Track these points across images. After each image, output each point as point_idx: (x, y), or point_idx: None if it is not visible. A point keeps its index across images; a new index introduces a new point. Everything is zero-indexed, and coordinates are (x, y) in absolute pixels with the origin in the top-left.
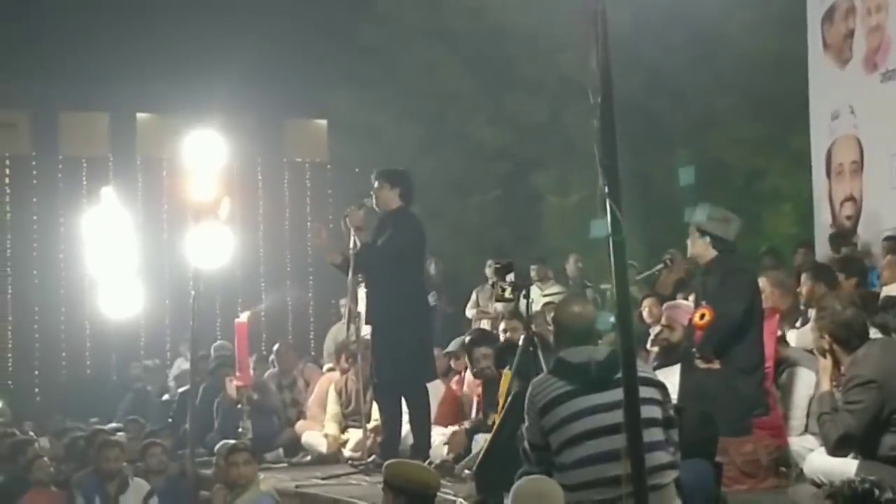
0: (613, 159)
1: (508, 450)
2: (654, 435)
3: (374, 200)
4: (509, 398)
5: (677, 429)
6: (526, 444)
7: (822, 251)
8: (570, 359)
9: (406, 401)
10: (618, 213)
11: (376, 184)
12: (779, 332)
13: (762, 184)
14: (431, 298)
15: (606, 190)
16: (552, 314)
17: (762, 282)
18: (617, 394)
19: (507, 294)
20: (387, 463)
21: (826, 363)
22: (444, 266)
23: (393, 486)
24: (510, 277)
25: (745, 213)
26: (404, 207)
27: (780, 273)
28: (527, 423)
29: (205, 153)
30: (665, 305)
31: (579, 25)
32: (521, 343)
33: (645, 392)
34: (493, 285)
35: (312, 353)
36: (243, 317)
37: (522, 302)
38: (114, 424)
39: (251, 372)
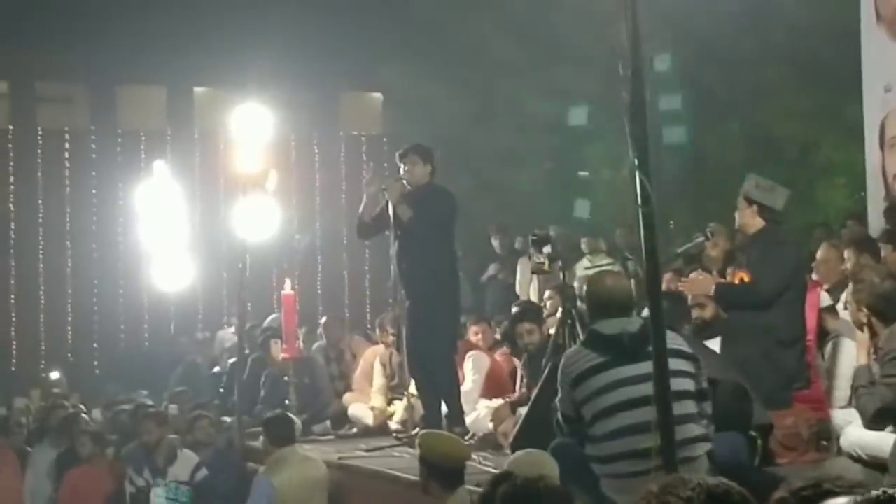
0: (643, 132)
1: (546, 422)
2: (686, 407)
3: (406, 175)
4: (546, 371)
5: (710, 401)
6: (559, 415)
7: (877, 224)
8: (603, 331)
9: (434, 372)
10: (647, 185)
11: (409, 160)
12: (829, 303)
13: (816, 156)
14: (492, 269)
15: (636, 162)
16: (585, 287)
17: (824, 251)
18: (649, 366)
19: (545, 266)
20: (420, 434)
21: (863, 336)
22: (509, 239)
23: (421, 458)
24: (547, 249)
25: (799, 186)
26: (433, 182)
27: (841, 246)
28: (560, 395)
29: (250, 126)
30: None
31: None
32: (558, 315)
33: (677, 364)
34: (529, 257)
35: (369, 327)
36: (288, 288)
37: (560, 274)
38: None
39: (300, 344)
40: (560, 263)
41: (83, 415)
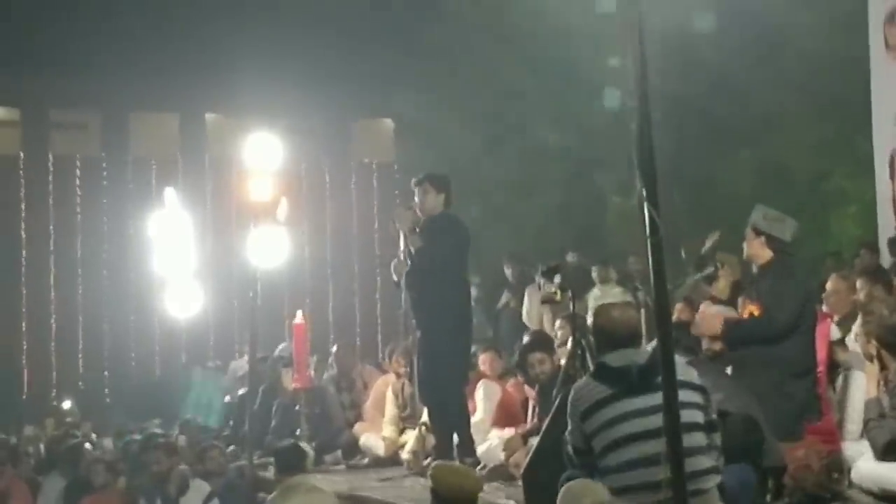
0: (651, 163)
1: (556, 453)
2: (695, 439)
3: (418, 204)
4: (557, 401)
5: (720, 433)
6: (569, 448)
7: (889, 254)
8: (611, 363)
9: (444, 402)
10: (655, 215)
11: (423, 188)
12: (838, 335)
13: (827, 186)
14: (505, 297)
15: (644, 193)
16: (592, 319)
17: (834, 282)
18: (658, 397)
19: (556, 296)
20: (432, 466)
21: (873, 368)
22: (521, 268)
23: (433, 490)
24: (557, 279)
25: (811, 216)
26: (447, 212)
27: (851, 277)
28: (570, 428)
29: (261, 156)
30: (700, 313)
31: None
32: (569, 346)
33: (686, 396)
34: (540, 287)
35: (381, 356)
36: (299, 318)
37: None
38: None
39: (311, 373)
40: (570, 293)
41: (87, 444)
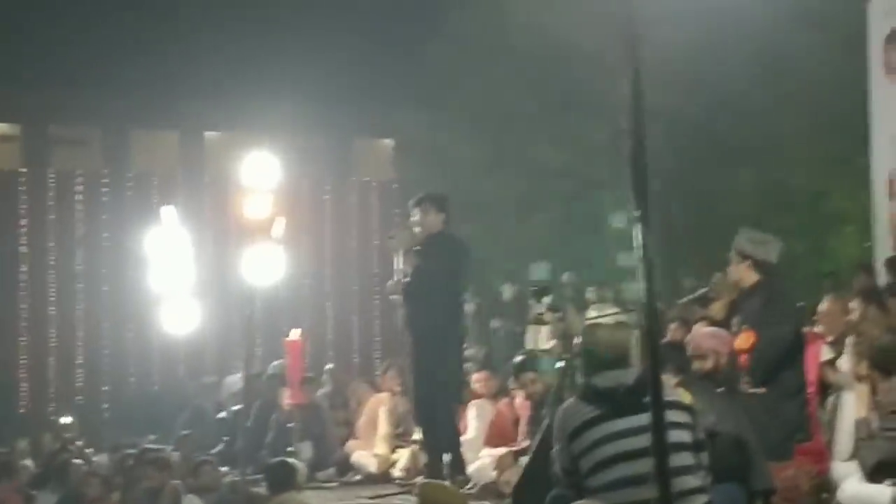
0: (644, 187)
1: (545, 472)
2: (682, 459)
3: (418, 224)
4: (545, 421)
5: (708, 453)
6: (557, 468)
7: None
8: (599, 383)
9: (436, 421)
10: (648, 239)
11: (423, 208)
12: (829, 356)
13: (826, 205)
14: (496, 321)
15: (637, 215)
16: (580, 340)
17: (827, 303)
18: (645, 418)
19: (545, 317)
20: (419, 484)
21: (863, 389)
22: (519, 290)
23: None
24: (546, 300)
25: (809, 235)
26: (445, 231)
27: (845, 299)
28: (557, 448)
29: (259, 174)
30: (691, 334)
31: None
32: (560, 366)
33: (673, 416)
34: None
35: (377, 374)
36: (293, 335)
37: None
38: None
39: (305, 390)
40: (560, 314)
41: (79, 459)
